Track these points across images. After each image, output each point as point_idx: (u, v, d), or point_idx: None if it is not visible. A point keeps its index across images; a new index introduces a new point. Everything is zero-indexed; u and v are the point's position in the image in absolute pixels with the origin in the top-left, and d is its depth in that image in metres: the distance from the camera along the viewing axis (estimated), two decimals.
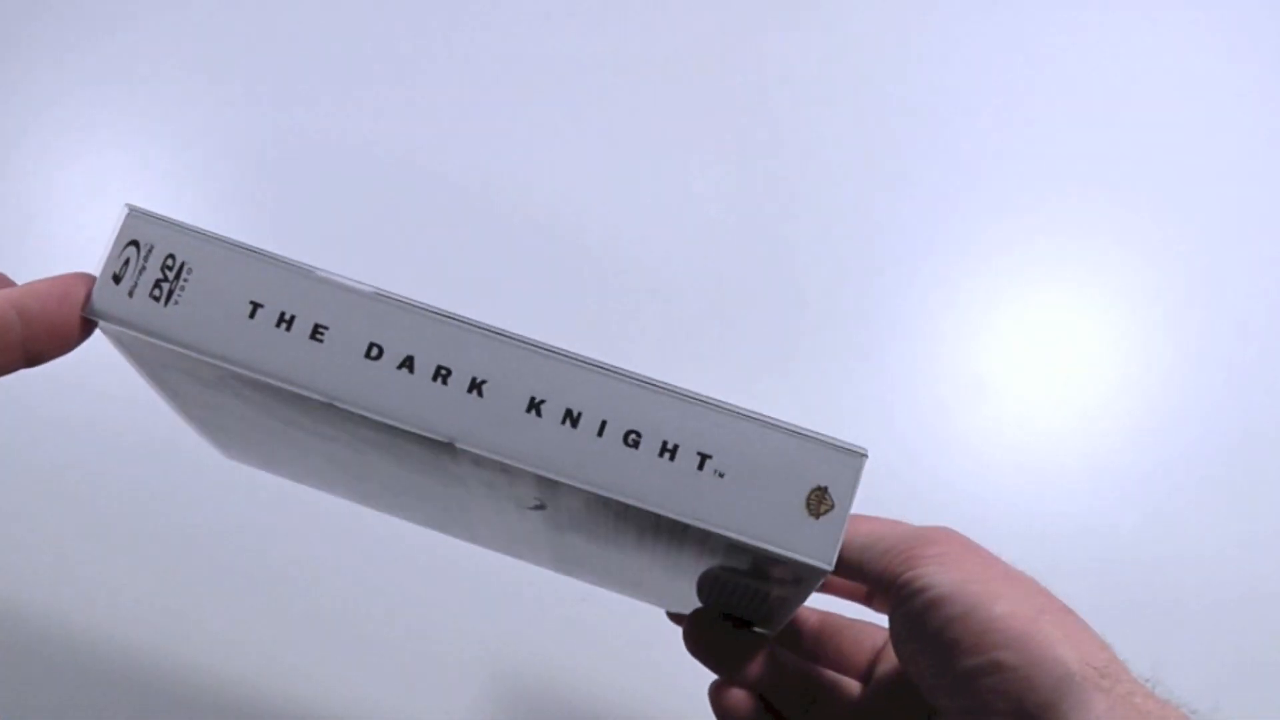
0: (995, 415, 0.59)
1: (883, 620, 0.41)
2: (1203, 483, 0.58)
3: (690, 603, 0.42)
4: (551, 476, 0.30)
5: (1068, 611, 0.33)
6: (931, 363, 0.60)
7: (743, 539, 0.30)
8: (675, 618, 0.45)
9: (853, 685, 0.41)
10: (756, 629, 0.41)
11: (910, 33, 0.70)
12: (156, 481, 0.58)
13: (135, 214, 0.31)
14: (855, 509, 0.31)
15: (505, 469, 0.31)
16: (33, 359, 0.30)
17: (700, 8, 0.69)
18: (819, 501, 0.30)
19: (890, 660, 0.41)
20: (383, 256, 0.61)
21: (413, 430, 0.31)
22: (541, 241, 0.63)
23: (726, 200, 0.65)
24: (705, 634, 0.41)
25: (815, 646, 0.43)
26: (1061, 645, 0.31)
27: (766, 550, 0.30)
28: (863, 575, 0.37)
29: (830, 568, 0.30)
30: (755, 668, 0.41)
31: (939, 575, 0.33)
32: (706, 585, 0.38)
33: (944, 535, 0.36)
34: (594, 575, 0.44)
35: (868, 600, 0.42)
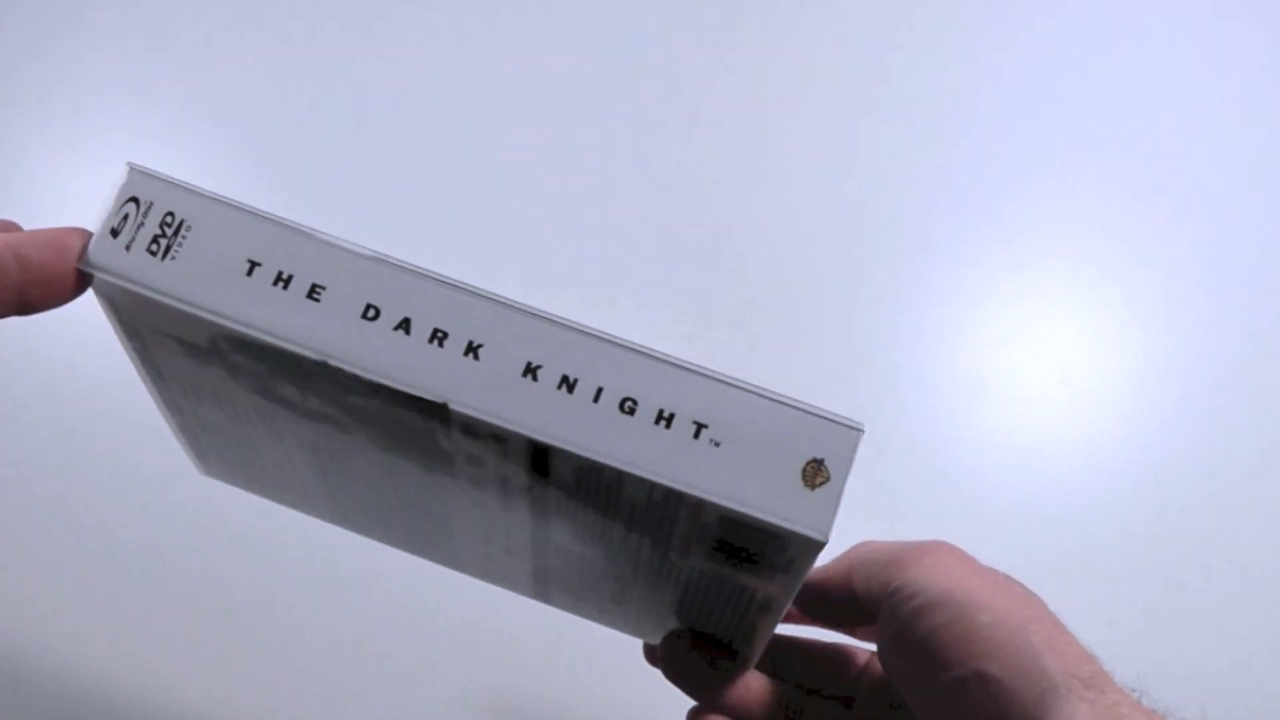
0: (995, 415, 0.59)
1: (866, 646, 0.40)
2: (1203, 481, 0.58)
3: (668, 624, 0.41)
4: (545, 441, 0.30)
5: (1056, 623, 0.33)
6: (931, 362, 0.60)
7: (737, 508, 0.30)
8: (652, 655, 0.44)
9: (836, 708, 0.40)
10: (736, 649, 0.40)
11: (917, 33, 0.70)
12: (127, 497, 0.56)
13: (136, 171, 0.32)
14: (849, 492, 0.31)
15: (498, 436, 0.31)
16: (25, 307, 0.30)
17: (714, 7, 0.70)
18: (815, 473, 0.30)
19: (874, 681, 0.40)
20: (382, 220, 0.61)
21: (407, 391, 0.30)
22: (547, 208, 0.63)
23: (719, 196, 0.65)
24: (682, 657, 0.40)
25: (796, 671, 0.42)
26: (1046, 656, 0.31)
27: (760, 521, 0.30)
28: (857, 592, 0.37)
29: (825, 540, 0.30)
30: (735, 692, 0.40)
31: (927, 582, 0.33)
32: (690, 590, 0.37)
33: (936, 546, 0.36)
34: (573, 594, 0.43)
35: (853, 629, 0.42)
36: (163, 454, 0.45)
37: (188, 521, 0.56)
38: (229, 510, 0.53)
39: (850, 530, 0.32)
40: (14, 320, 0.31)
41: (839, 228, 0.65)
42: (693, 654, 0.40)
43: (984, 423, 0.59)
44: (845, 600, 0.38)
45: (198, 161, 0.65)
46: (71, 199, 0.63)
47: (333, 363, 0.30)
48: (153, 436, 0.44)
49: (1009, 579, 0.35)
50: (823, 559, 0.37)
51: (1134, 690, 0.32)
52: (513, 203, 0.64)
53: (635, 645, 0.45)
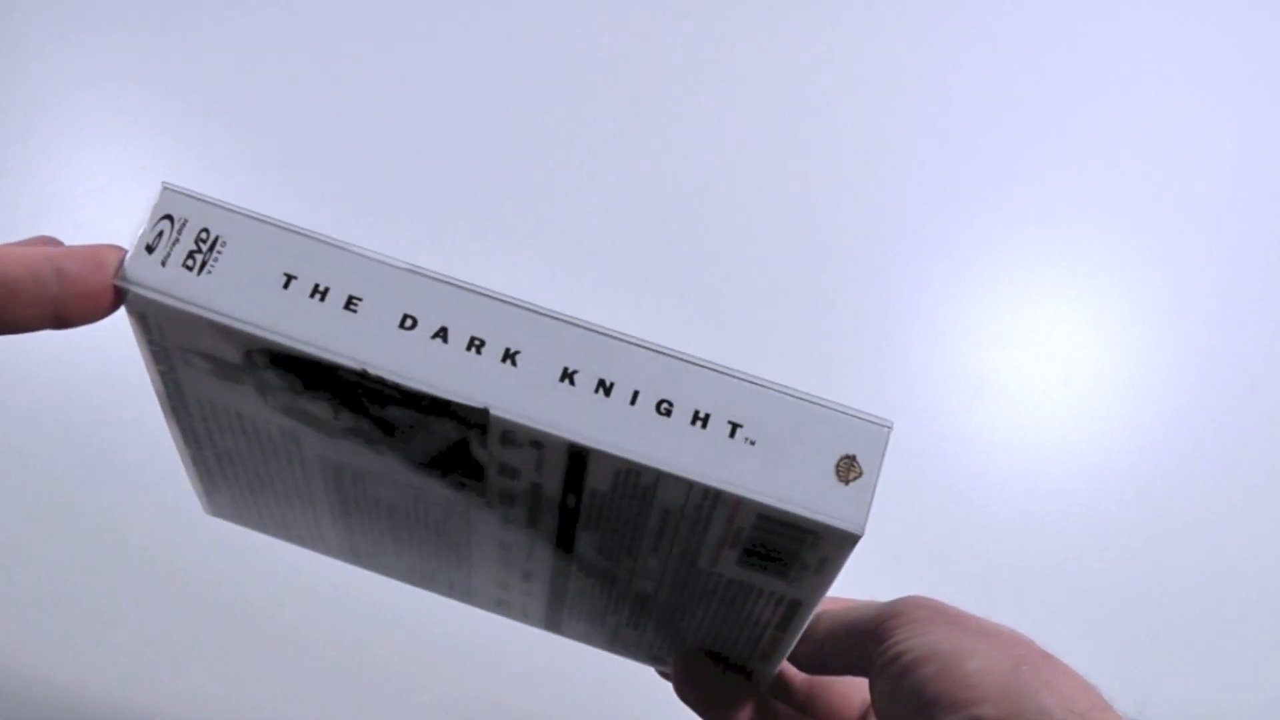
0: (995, 415, 0.60)
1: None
2: (1204, 481, 0.59)
3: (684, 648, 0.41)
4: (585, 444, 0.31)
5: (1046, 658, 0.33)
6: (931, 362, 0.61)
7: (775, 504, 0.30)
8: (666, 675, 0.45)
9: None
10: (750, 669, 0.41)
11: (917, 32, 0.71)
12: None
13: (170, 190, 0.32)
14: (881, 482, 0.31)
15: (537, 443, 0.31)
16: (62, 320, 0.30)
17: (716, 7, 0.71)
18: (848, 469, 0.31)
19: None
20: (407, 229, 0.61)
21: (447, 398, 0.31)
22: (568, 210, 0.63)
23: (722, 197, 0.65)
24: (696, 674, 0.41)
25: (805, 702, 0.42)
26: (1042, 693, 0.31)
27: (798, 516, 0.30)
28: (836, 660, 0.38)
29: (860, 533, 0.30)
30: (745, 716, 0.40)
31: (911, 640, 0.34)
32: (712, 606, 0.38)
33: (912, 603, 0.36)
34: (587, 621, 0.43)
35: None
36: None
37: (198, 540, 0.55)
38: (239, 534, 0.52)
39: None
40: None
41: (838, 227, 0.65)
42: (707, 671, 0.40)
43: (984, 423, 0.60)
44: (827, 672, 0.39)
45: (199, 161, 0.64)
46: (68, 200, 0.62)
47: (372, 371, 0.31)
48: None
49: (991, 622, 0.35)
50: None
51: None
52: (524, 205, 0.64)
53: (644, 670, 0.45)
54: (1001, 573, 0.55)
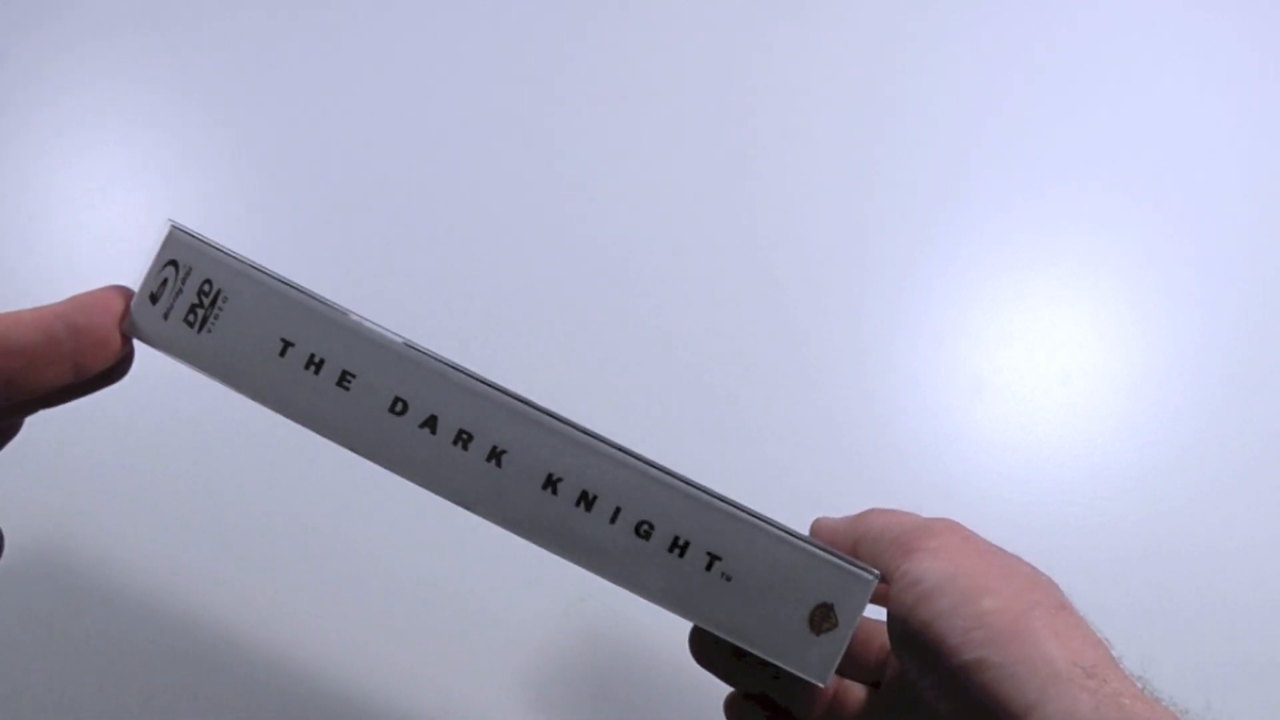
0: (995, 414, 0.59)
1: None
2: (1202, 481, 0.58)
3: None
4: (560, 555, 0.30)
5: (1061, 607, 0.32)
6: (931, 363, 0.60)
7: (739, 643, 0.30)
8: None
9: (861, 690, 0.40)
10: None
11: (904, 30, 0.68)
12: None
13: (178, 233, 0.31)
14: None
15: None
16: (81, 371, 0.31)
17: (697, 10, 0.69)
18: (823, 618, 0.30)
19: (897, 666, 0.39)
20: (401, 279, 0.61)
21: (428, 490, 0.31)
22: (520, 248, 0.63)
23: (723, 197, 0.64)
24: (710, 649, 0.42)
25: None
26: (1049, 643, 0.30)
27: (761, 657, 0.30)
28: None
29: (824, 684, 0.30)
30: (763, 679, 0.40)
31: (932, 568, 0.32)
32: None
33: (945, 527, 0.35)
34: None
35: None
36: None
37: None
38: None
39: None
40: None
41: (839, 226, 0.64)
42: (719, 649, 0.41)
43: (984, 422, 0.59)
44: None
45: (198, 163, 0.64)
46: (68, 201, 0.63)
47: (359, 454, 0.31)
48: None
49: (1018, 561, 0.34)
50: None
51: (1139, 679, 0.31)
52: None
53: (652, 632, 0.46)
54: None
